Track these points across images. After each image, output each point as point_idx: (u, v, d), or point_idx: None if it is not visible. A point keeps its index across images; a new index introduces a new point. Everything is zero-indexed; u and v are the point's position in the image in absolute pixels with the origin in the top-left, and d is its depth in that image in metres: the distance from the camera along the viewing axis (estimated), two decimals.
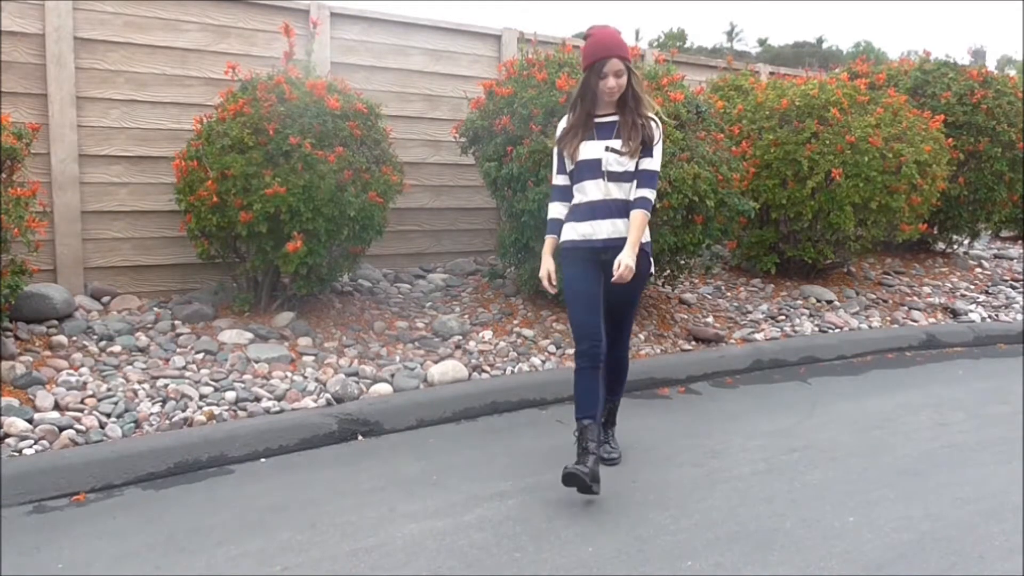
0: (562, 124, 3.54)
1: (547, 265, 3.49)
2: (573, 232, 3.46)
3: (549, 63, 5.52)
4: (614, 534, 3.00)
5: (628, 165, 3.36)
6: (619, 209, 3.38)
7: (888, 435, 4.17)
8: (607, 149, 3.37)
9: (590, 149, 3.39)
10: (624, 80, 3.33)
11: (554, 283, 3.47)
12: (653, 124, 3.40)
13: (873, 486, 3.51)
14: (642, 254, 3.39)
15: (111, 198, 5.13)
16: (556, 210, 3.53)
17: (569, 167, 3.47)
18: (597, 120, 3.43)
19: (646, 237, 3.44)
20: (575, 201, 3.47)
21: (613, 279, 3.27)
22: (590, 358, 3.36)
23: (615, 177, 3.37)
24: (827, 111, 6.32)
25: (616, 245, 3.35)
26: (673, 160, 4.98)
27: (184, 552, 2.84)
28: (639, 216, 3.36)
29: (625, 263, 3.27)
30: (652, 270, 3.54)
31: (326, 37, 5.80)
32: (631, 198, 3.38)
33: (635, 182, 3.38)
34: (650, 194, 3.39)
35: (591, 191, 3.40)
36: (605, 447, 3.62)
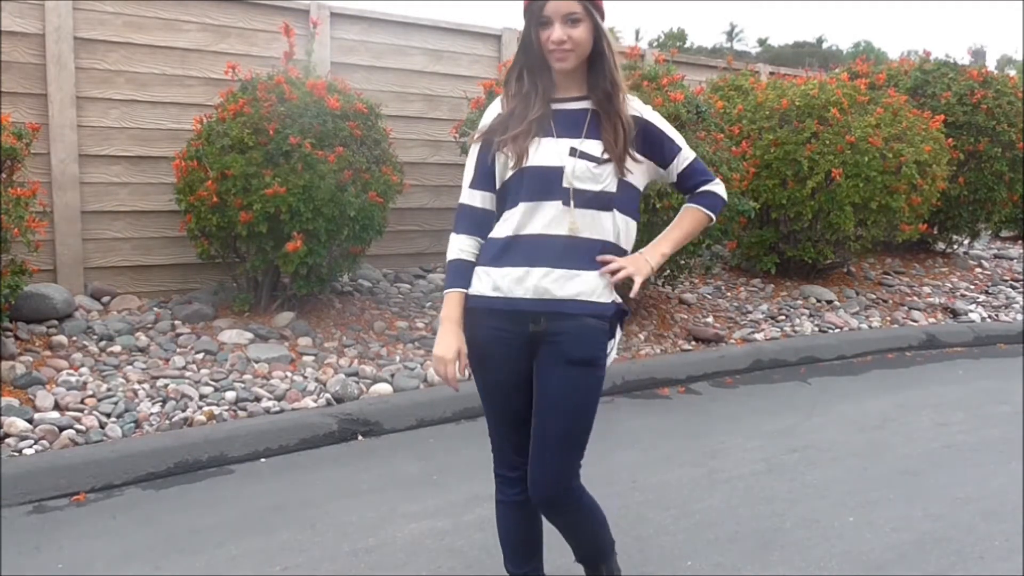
0: (493, 108, 2.17)
1: (453, 343, 2.13)
2: (487, 283, 2.09)
3: None
4: (614, 534, 3.00)
5: (607, 181, 2.06)
6: (582, 255, 2.06)
7: (888, 435, 4.17)
8: (573, 152, 2.05)
9: (546, 151, 2.06)
10: (582, 33, 2.00)
11: (464, 371, 2.15)
12: (643, 119, 2.14)
13: (873, 486, 3.51)
14: (598, 331, 2.08)
15: (111, 198, 5.13)
16: (463, 246, 2.14)
17: (503, 178, 2.11)
18: (556, 107, 2.10)
19: (611, 297, 2.09)
20: (501, 232, 2.10)
21: (612, 279, 2.07)
22: (511, 484, 2.30)
23: (586, 200, 2.05)
24: (827, 111, 6.32)
25: (563, 312, 2.04)
26: None
27: (184, 552, 2.84)
28: (699, 216, 2.20)
29: (630, 270, 2.08)
30: (613, 351, 2.15)
31: (326, 37, 5.80)
32: (693, 203, 2.20)
33: (614, 211, 2.09)
34: (720, 189, 2.21)
35: (540, 218, 2.05)
36: None
